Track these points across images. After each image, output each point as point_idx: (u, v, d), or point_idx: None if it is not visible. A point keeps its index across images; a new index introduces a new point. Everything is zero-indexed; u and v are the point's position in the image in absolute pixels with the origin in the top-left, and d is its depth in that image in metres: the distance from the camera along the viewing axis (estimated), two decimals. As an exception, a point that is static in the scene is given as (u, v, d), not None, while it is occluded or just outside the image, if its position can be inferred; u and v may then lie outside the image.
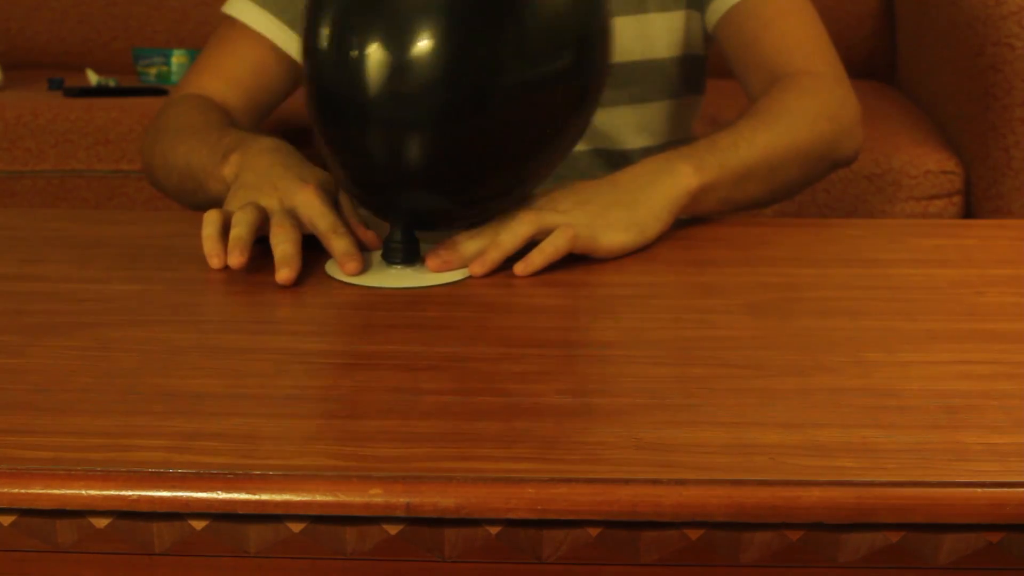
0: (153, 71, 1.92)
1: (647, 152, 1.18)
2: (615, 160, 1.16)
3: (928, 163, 1.41)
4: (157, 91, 1.79)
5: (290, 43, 1.13)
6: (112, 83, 1.84)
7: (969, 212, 1.44)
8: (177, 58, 1.92)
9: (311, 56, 0.77)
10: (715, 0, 1.17)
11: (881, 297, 0.77)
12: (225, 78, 1.16)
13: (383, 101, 0.74)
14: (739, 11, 1.16)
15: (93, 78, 1.87)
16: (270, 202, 0.83)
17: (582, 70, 0.76)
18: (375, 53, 0.73)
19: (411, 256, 0.81)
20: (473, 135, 0.75)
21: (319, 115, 0.78)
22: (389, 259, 0.81)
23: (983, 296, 0.77)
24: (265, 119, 1.20)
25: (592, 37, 0.75)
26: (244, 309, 0.75)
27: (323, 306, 0.76)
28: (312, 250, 0.81)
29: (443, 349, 0.69)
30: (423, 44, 0.72)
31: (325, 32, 0.75)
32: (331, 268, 0.81)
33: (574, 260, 0.82)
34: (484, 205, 0.80)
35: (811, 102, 1.07)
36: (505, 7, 0.71)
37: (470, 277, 0.80)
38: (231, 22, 1.16)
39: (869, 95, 1.66)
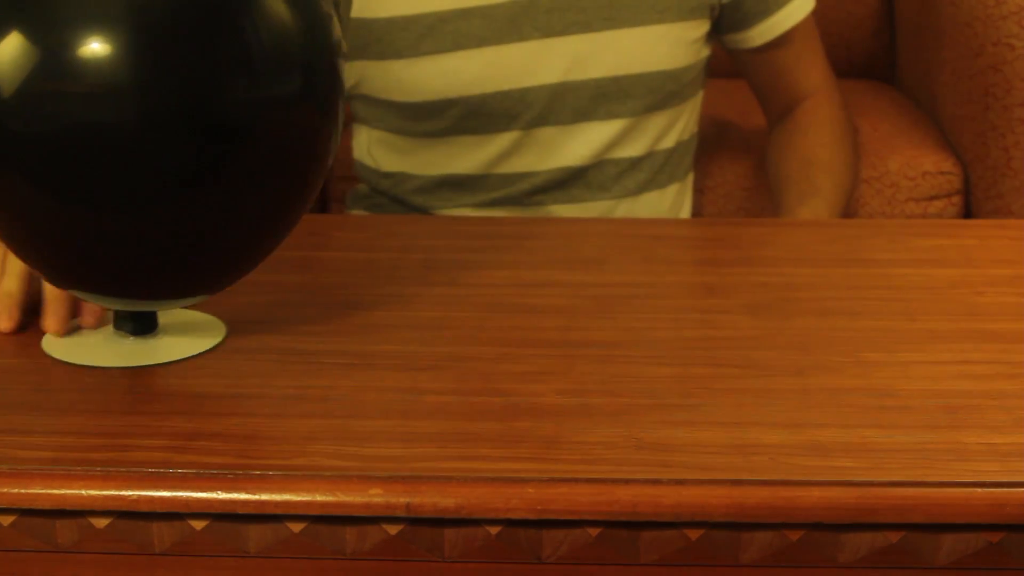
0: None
1: (652, 156, 1.19)
2: (623, 167, 1.17)
3: (926, 164, 1.41)
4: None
5: None
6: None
7: (969, 212, 1.44)
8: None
9: None
10: (745, 31, 1.22)
11: (881, 297, 0.77)
12: None
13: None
14: (774, 45, 1.23)
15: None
16: None
17: (314, 91, 0.59)
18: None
19: (145, 326, 0.68)
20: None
21: None
22: (119, 328, 0.68)
23: (983, 296, 0.77)
24: None
25: (320, 62, 0.59)
26: (245, 309, 0.75)
27: (323, 306, 0.76)
28: None
29: (443, 349, 0.69)
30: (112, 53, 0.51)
31: None
32: (47, 344, 0.68)
33: (574, 260, 0.82)
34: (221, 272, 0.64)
35: (849, 153, 1.26)
36: (210, 22, 0.54)
37: (214, 347, 0.68)
38: None
39: (869, 95, 1.66)
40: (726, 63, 1.30)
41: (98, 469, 0.55)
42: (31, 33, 0.50)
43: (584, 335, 0.71)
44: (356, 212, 1.29)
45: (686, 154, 1.26)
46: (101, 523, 0.55)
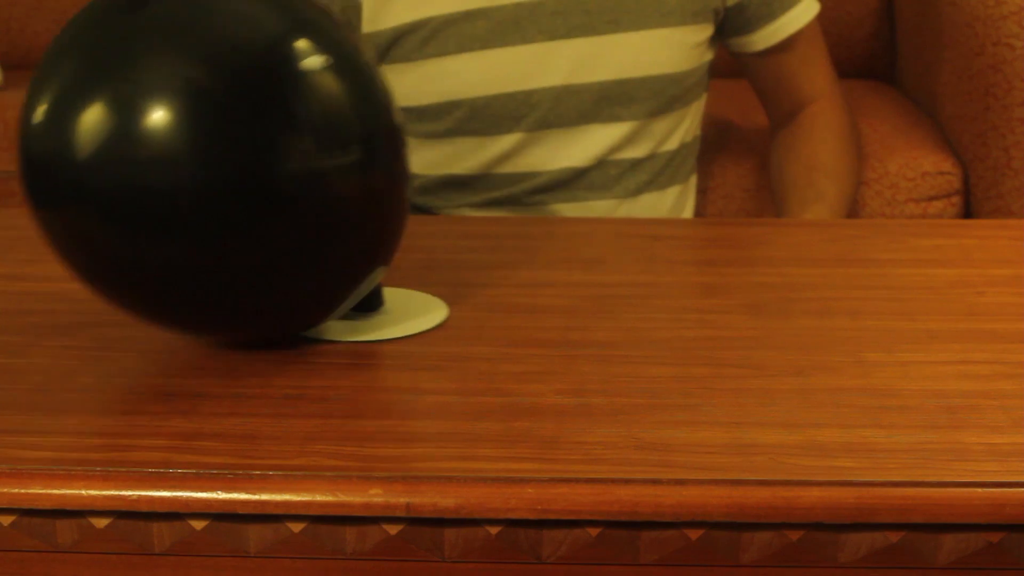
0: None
1: (654, 159, 1.19)
2: (623, 168, 1.17)
3: (925, 165, 1.41)
4: (157, 91, 1.79)
5: None
6: (112, 83, 1.84)
7: (969, 212, 1.44)
8: (177, 58, 1.92)
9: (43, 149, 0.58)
10: (750, 35, 1.22)
11: (881, 297, 0.77)
12: None
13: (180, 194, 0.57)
14: (779, 48, 1.23)
15: (93, 78, 1.87)
16: None
17: (374, 161, 0.61)
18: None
19: (371, 304, 0.72)
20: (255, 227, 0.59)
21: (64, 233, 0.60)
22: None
23: (983, 296, 0.77)
24: None
25: (378, 136, 0.61)
26: (244, 309, 0.75)
27: (323, 306, 0.76)
28: None
29: (443, 349, 0.69)
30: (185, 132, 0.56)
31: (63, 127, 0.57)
32: None
33: (574, 260, 0.82)
34: (335, 301, 0.66)
35: (853, 158, 1.26)
36: (270, 93, 0.57)
37: (435, 326, 0.71)
38: None
39: (869, 95, 1.66)
40: (726, 63, 1.30)
41: (98, 469, 0.55)
42: (108, 104, 0.55)
43: (584, 335, 0.71)
44: None
45: (688, 156, 1.26)
46: (101, 523, 0.55)
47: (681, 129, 1.21)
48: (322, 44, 0.59)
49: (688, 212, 1.28)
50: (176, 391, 0.63)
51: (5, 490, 0.54)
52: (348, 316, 0.72)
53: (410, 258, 0.87)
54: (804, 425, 0.59)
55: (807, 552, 0.55)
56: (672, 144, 1.20)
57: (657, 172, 1.20)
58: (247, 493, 0.54)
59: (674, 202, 1.24)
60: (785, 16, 1.22)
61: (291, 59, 0.58)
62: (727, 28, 1.22)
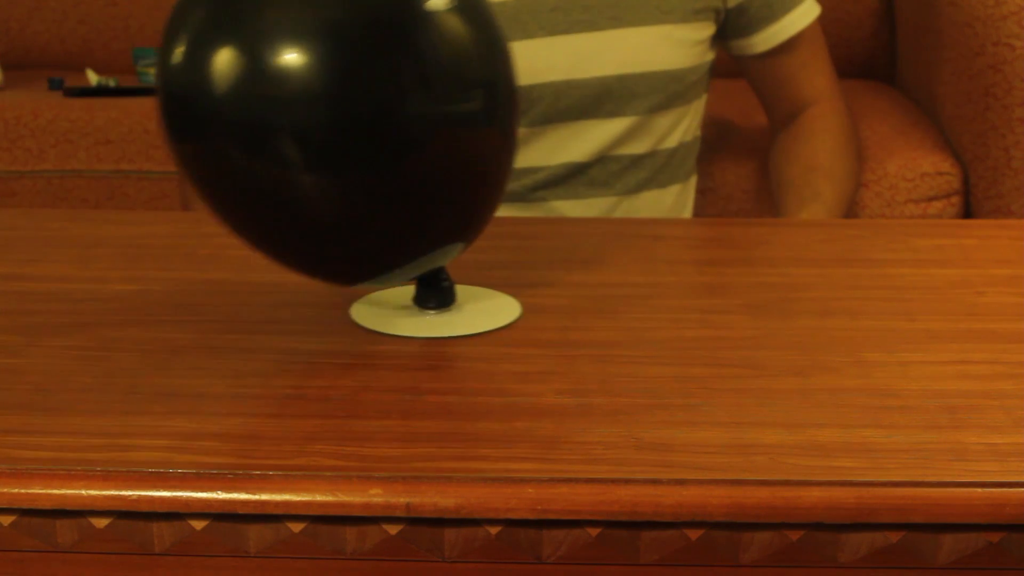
0: (153, 71, 1.92)
1: (655, 156, 1.19)
2: (624, 164, 1.17)
3: (924, 165, 1.41)
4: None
5: None
6: (112, 83, 1.84)
7: (968, 212, 1.44)
8: (177, 58, 1.92)
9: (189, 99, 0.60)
10: (750, 37, 1.22)
11: (881, 297, 0.77)
12: None
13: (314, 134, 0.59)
14: (779, 51, 1.23)
15: (93, 78, 1.87)
16: None
17: (494, 109, 0.63)
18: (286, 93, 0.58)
19: (444, 300, 0.73)
20: (387, 171, 0.61)
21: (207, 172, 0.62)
22: (422, 304, 0.73)
23: (983, 296, 0.77)
24: None
25: (498, 77, 0.63)
26: (244, 309, 0.75)
27: (323, 306, 0.76)
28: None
29: (443, 349, 0.69)
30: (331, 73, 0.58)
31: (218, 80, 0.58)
32: (357, 313, 0.74)
33: (574, 260, 0.82)
34: (416, 257, 0.67)
35: (852, 160, 1.24)
36: (397, 38, 0.59)
37: (509, 325, 0.72)
38: None
39: (869, 95, 1.66)
40: (727, 64, 1.30)
41: (98, 469, 0.55)
42: (243, 45, 0.57)
43: (584, 335, 0.71)
44: None
45: (688, 156, 1.26)
46: (101, 523, 0.55)
47: (681, 127, 1.21)
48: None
49: (687, 212, 1.28)
50: (176, 391, 0.63)
51: (5, 490, 0.54)
52: (420, 312, 0.73)
53: (410, 258, 0.87)
54: (804, 425, 0.59)
55: (807, 552, 0.55)
56: (672, 142, 1.20)
57: (657, 169, 1.20)
58: (247, 493, 0.54)
59: (674, 201, 1.24)
60: (786, 18, 1.22)
61: (422, 2, 0.59)
62: (728, 30, 1.22)
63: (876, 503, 0.53)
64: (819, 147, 1.25)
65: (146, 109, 1.63)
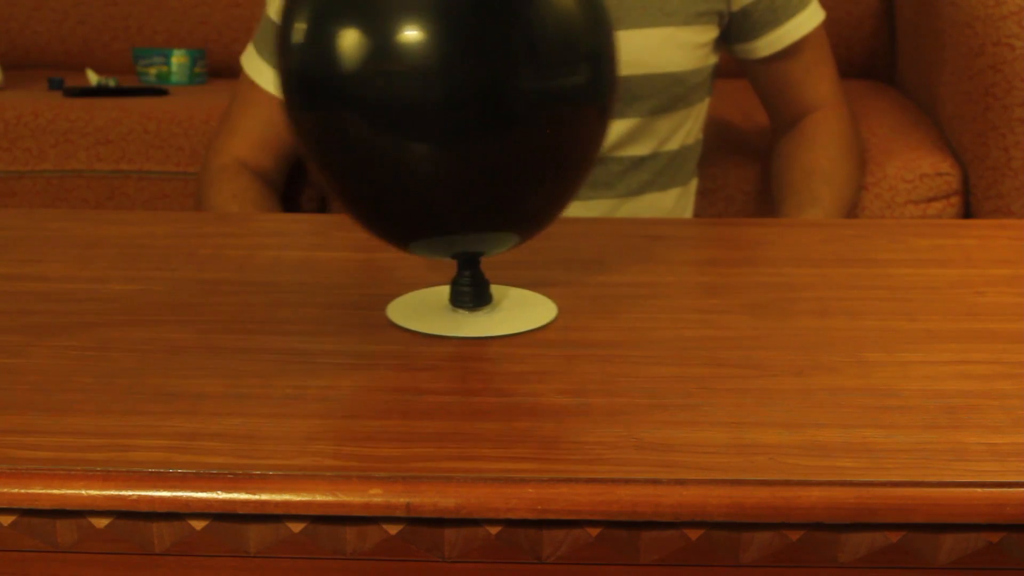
0: (153, 71, 1.93)
1: (656, 157, 1.19)
2: (626, 165, 1.17)
3: (923, 166, 1.41)
4: (157, 91, 1.79)
5: None
6: (112, 83, 1.84)
7: (968, 212, 1.44)
8: (177, 58, 1.92)
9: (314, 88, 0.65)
10: (754, 40, 1.22)
11: (881, 297, 0.77)
12: (254, 143, 1.25)
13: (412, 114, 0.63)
14: (783, 55, 1.23)
15: (93, 78, 1.87)
16: None
17: (598, 87, 0.66)
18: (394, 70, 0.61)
19: (481, 299, 0.73)
20: (501, 145, 0.64)
21: (328, 152, 0.66)
22: (457, 303, 0.73)
23: (983, 296, 0.77)
24: (292, 164, 1.30)
25: (605, 56, 0.66)
26: (244, 309, 0.75)
27: (323, 306, 0.76)
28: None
29: (443, 349, 0.69)
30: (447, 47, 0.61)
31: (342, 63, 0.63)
32: (393, 312, 0.74)
33: (574, 260, 0.82)
34: (518, 229, 0.69)
35: (853, 167, 1.24)
36: (508, 13, 0.62)
37: (546, 325, 0.72)
38: (249, 82, 1.24)
39: (869, 95, 1.66)
40: (727, 64, 1.30)
41: (98, 469, 0.55)
42: (363, 24, 0.61)
43: (584, 335, 0.71)
44: None
45: (689, 159, 1.26)
46: (101, 523, 0.55)
47: (683, 130, 1.21)
48: None
49: (688, 215, 1.29)
50: (176, 391, 0.63)
51: (5, 490, 0.54)
52: (455, 311, 0.73)
53: (411, 258, 0.87)
54: (804, 425, 0.59)
55: (807, 552, 0.55)
56: (674, 144, 1.20)
57: (658, 172, 1.20)
58: (247, 493, 0.54)
59: (674, 204, 1.24)
60: (790, 22, 1.21)
61: None
62: (732, 34, 1.22)
63: (876, 503, 0.53)
64: (820, 152, 1.25)
65: (146, 109, 1.63)
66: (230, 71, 1.98)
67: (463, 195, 0.64)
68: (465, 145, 0.62)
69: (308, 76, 0.63)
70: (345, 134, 0.63)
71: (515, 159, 0.63)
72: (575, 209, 1.20)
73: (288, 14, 0.64)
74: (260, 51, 1.24)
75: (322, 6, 0.63)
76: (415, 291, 0.77)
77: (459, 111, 0.61)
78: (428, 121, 0.61)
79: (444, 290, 0.76)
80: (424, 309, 0.74)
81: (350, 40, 0.61)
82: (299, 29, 0.63)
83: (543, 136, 0.63)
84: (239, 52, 1.44)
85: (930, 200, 1.41)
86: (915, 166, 1.41)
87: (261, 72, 1.24)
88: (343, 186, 0.66)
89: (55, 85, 1.81)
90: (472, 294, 0.73)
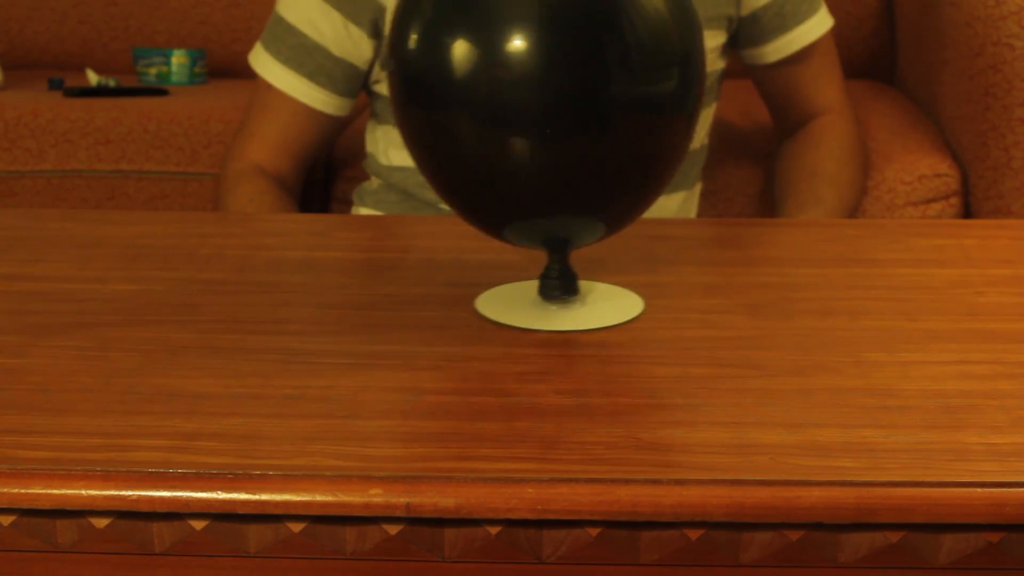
0: (153, 71, 1.93)
1: None
2: None
3: (922, 167, 1.41)
4: (157, 91, 1.79)
5: (315, 98, 1.24)
6: (112, 83, 1.84)
7: (968, 213, 1.44)
8: (177, 58, 1.92)
9: (418, 91, 0.69)
10: (762, 46, 1.22)
11: (881, 297, 0.77)
12: (271, 147, 1.27)
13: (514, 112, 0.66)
14: (791, 60, 1.23)
15: (93, 78, 1.87)
16: None
17: (688, 90, 0.69)
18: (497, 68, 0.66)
19: (570, 290, 0.74)
20: (595, 146, 0.67)
21: (435, 153, 0.70)
22: (547, 295, 0.74)
23: (983, 296, 0.77)
24: (308, 169, 1.32)
25: (694, 59, 0.69)
26: (244, 309, 0.75)
27: (323, 306, 0.76)
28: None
29: (443, 349, 0.69)
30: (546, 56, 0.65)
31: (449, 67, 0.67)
32: (482, 305, 0.75)
33: (574, 260, 0.82)
34: (608, 225, 0.72)
35: (857, 171, 1.24)
36: (605, 22, 0.66)
37: (637, 317, 0.73)
38: (266, 84, 1.25)
39: (869, 95, 1.66)
40: (728, 66, 1.30)
41: (98, 469, 0.55)
42: (471, 34, 0.66)
43: (585, 335, 0.71)
44: (364, 209, 1.30)
45: (695, 164, 1.26)
46: (101, 523, 0.55)
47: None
48: None
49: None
50: (176, 391, 0.63)
51: (5, 490, 0.54)
52: (542, 304, 0.75)
53: (412, 258, 0.87)
54: (804, 425, 0.59)
55: (807, 552, 0.55)
56: None
57: None
58: (247, 493, 0.54)
59: (679, 208, 1.24)
60: (799, 28, 1.21)
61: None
62: (740, 39, 1.22)
63: (876, 503, 0.53)
64: (825, 154, 1.25)
65: (146, 109, 1.63)
66: (230, 71, 1.98)
67: (556, 188, 0.68)
68: (561, 145, 0.66)
69: (421, 80, 0.68)
70: (453, 132, 0.67)
71: (606, 158, 0.67)
72: None
73: (399, 22, 0.69)
74: (272, 52, 1.24)
75: (435, 17, 0.67)
76: (504, 285, 0.79)
77: (557, 114, 0.65)
78: (528, 122, 0.65)
79: (531, 285, 0.77)
80: (512, 303, 0.76)
81: (460, 50, 0.66)
82: (412, 38, 0.68)
83: (633, 137, 0.67)
84: (239, 52, 1.44)
85: (930, 201, 1.41)
86: (914, 167, 1.41)
87: (274, 73, 1.24)
88: (447, 177, 0.70)
89: (55, 85, 1.81)
90: (560, 285, 0.74)
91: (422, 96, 0.68)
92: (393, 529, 0.55)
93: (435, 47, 0.67)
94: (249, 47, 1.30)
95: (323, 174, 1.51)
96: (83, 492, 0.54)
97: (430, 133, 0.69)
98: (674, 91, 0.68)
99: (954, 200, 1.42)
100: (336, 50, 1.21)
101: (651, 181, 0.70)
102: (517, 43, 0.65)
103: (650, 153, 0.68)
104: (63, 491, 0.54)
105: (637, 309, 0.75)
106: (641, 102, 0.66)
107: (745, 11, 1.19)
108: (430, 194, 1.22)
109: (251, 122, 1.28)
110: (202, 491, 0.54)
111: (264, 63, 1.25)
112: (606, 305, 0.75)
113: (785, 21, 1.20)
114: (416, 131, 0.70)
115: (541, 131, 0.66)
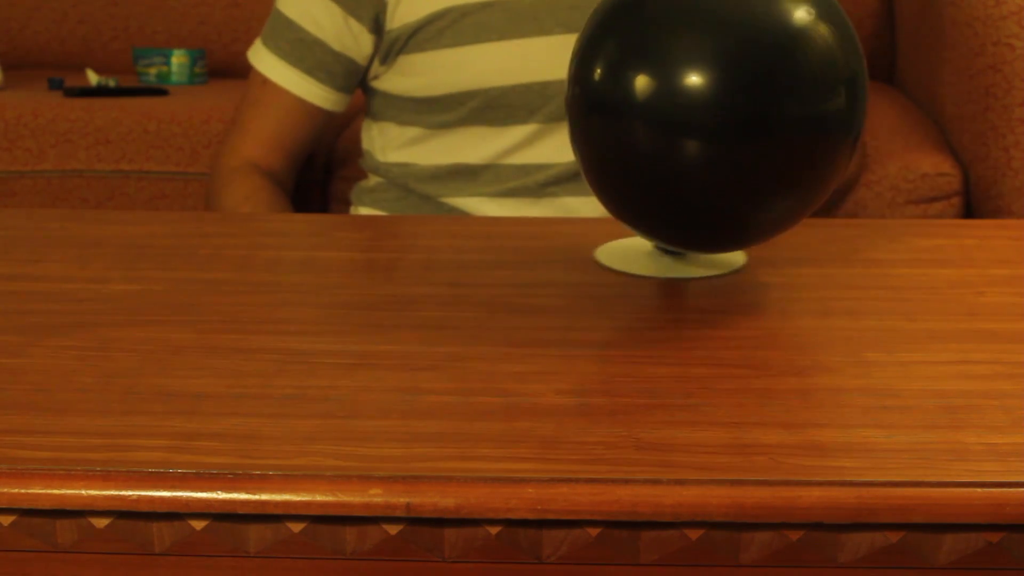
0: (153, 71, 1.93)
1: None
2: None
3: (923, 166, 1.41)
4: (157, 91, 1.79)
5: (313, 93, 1.22)
6: (112, 83, 1.84)
7: (969, 213, 1.44)
8: (177, 58, 1.92)
9: (595, 108, 0.75)
10: None
11: (881, 297, 0.77)
12: (265, 143, 1.26)
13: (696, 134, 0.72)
14: None
15: (93, 78, 1.87)
16: None
17: (853, 112, 0.74)
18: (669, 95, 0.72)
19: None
20: (764, 159, 0.72)
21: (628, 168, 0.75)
22: (660, 247, 0.83)
23: (983, 296, 0.77)
24: (301, 165, 1.31)
25: (858, 83, 0.74)
26: (244, 309, 0.75)
27: (323, 306, 0.76)
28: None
29: (443, 349, 0.69)
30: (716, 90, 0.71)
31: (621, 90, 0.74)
32: (602, 255, 0.84)
33: (574, 260, 0.82)
34: (764, 233, 0.76)
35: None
36: (778, 52, 0.72)
37: (734, 271, 0.82)
38: (262, 79, 1.25)
39: (869, 95, 1.66)
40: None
41: (98, 469, 0.55)
42: (654, 71, 0.72)
43: (584, 335, 0.71)
44: (362, 208, 1.30)
45: None
46: (101, 523, 0.55)
47: None
48: (815, 4, 0.74)
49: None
50: (176, 391, 0.63)
51: (5, 490, 0.54)
52: (657, 255, 0.84)
53: (410, 258, 0.87)
54: (804, 425, 0.59)
55: (807, 552, 0.55)
56: None
57: None
58: (247, 493, 0.54)
59: None
60: None
61: (792, 25, 0.72)
62: None
63: (876, 503, 0.53)
64: None
65: (146, 109, 1.63)
66: (230, 71, 1.98)
67: (724, 197, 0.73)
68: (730, 165, 0.71)
69: (606, 107, 0.74)
70: (631, 151, 0.73)
71: (771, 174, 0.72)
72: (585, 205, 1.20)
73: (583, 56, 0.76)
74: (272, 47, 1.24)
75: (617, 51, 0.74)
76: (621, 239, 0.88)
77: (728, 139, 0.71)
78: (702, 143, 0.71)
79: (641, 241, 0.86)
80: (632, 253, 0.85)
81: (642, 84, 0.72)
82: (598, 71, 0.75)
83: (798, 157, 0.72)
84: (239, 52, 1.44)
85: (931, 200, 1.41)
86: (916, 166, 1.41)
87: (272, 68, 1.23)
88: (620, 189, 0.76)
89: (55, 85, 1.81)
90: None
91: (605, 120, 0.74)
92: (393, 529, 0.55)
93: (620, 81, 0.73)
94: (249, 47, 1.30)
95: (322, 174, 1.51)
96: (83, 492, 0.54)
97: (609, 150, 0.74)
98: (839, 115, 0.72)
99: (955, 200, 1.42)
100: (336, 45, 1.21)
101: (808, 196, 0.74)
102: (693, 78, 0.71)
103: (812, 172, 0.73)
104: (63, 491, 0.54)
105: (740, 260, 0.83)
106: (807, 125, 0.71)
107: None
108: (429, 188, 1.22)
109: (244, 118, 1.27)
110: (202, 491, 0.54)
111: (262, 58, 1.25)
112: (710, 259, 0.84)
113: None
114: (595, 147, 0.75)
115: (712, 153, 0.71)
